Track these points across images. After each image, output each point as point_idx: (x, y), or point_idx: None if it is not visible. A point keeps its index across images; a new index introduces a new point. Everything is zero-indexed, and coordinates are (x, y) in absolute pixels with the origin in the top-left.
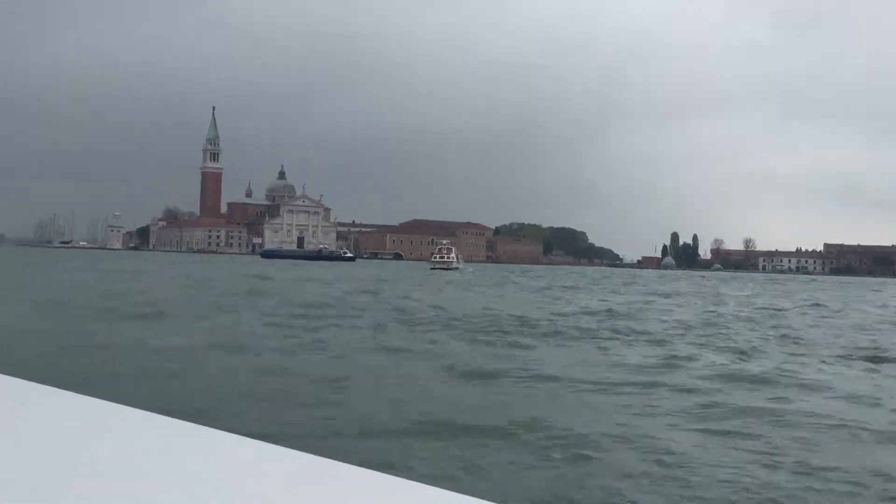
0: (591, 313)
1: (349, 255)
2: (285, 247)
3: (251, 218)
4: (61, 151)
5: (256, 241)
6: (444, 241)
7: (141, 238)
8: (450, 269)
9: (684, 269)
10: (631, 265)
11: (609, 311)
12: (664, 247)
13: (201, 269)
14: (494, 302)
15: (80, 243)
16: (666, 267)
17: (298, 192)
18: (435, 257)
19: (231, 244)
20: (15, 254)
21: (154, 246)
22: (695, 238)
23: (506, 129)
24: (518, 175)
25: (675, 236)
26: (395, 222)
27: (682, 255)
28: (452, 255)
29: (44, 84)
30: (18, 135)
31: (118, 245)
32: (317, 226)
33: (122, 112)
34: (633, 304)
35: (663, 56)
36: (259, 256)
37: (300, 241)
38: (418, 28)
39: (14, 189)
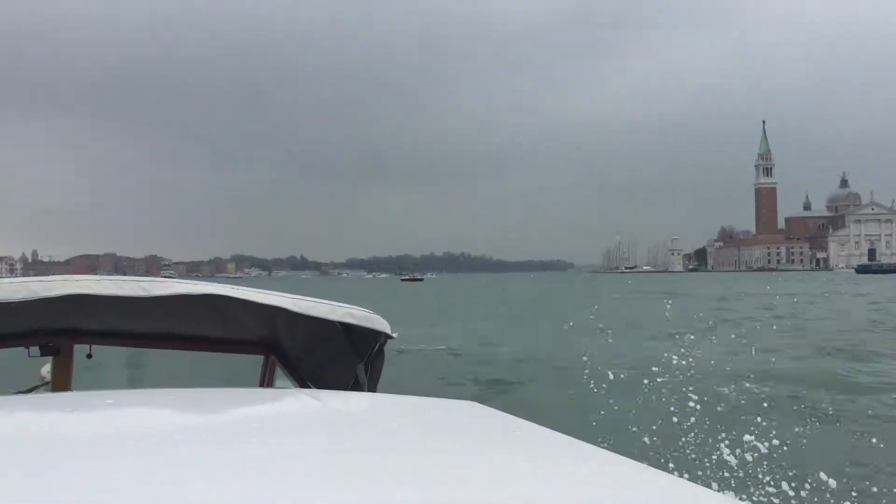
0: None
1: None
2: (853, 260)
3: (812, 232)
4: (619, 182)
5: (820, 255)
6: None
7: (699, 259)
8: None
9: None
10: None
11: None
12: None
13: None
14: None
15: (644, 268)
16: None
17: (865, 200)
18: None
19: (792, 260)
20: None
21: (712, 267)
22: None
23: None
24: None
25: None
26: None
27: None
28: None
29: (595, 125)
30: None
31: (679, 267)
32: (891, 235)
33: (659, 140)
34: None
35: None
36: (854, 271)
37: (871, 252)
38: None
39: (579, 220)
